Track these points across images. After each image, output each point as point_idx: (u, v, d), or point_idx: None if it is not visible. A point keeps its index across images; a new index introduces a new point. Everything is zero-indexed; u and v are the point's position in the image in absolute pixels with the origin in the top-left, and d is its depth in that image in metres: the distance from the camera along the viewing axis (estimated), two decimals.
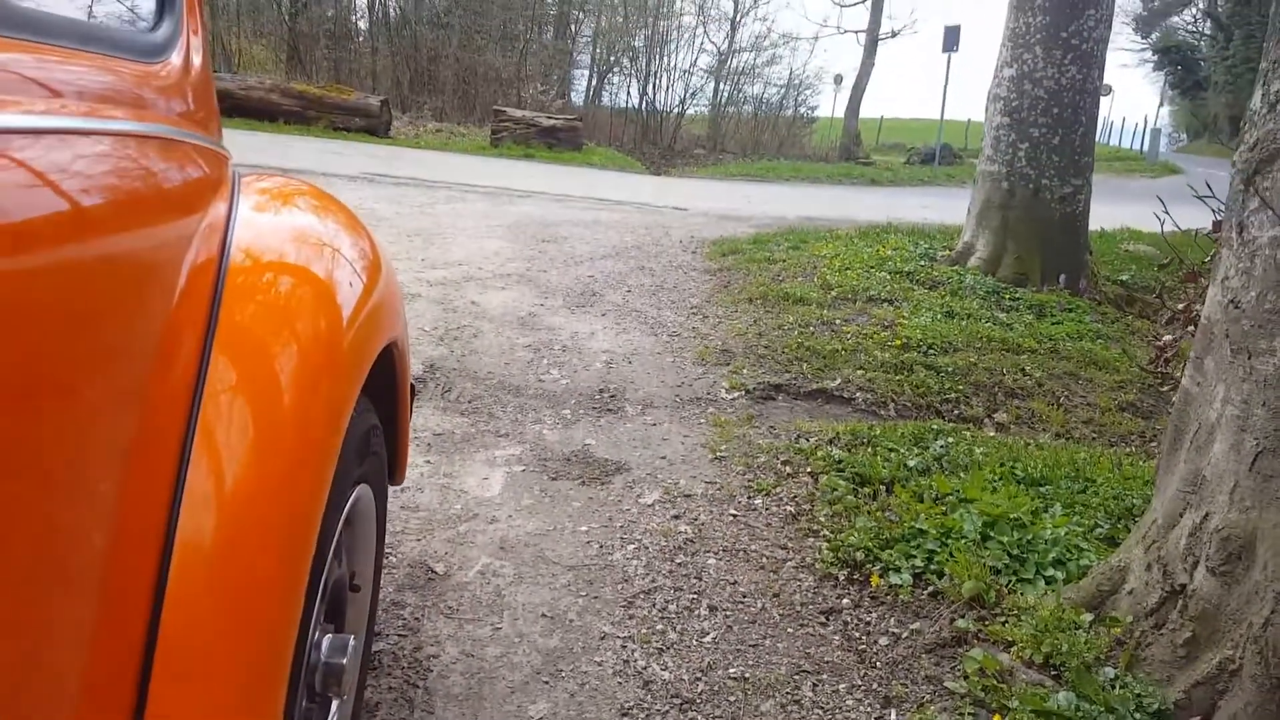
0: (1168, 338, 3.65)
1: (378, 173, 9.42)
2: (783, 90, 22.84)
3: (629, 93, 20.77)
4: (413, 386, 2.07)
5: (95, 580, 0.81)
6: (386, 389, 1.56)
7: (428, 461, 2.90)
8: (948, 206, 9.98)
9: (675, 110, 20.24)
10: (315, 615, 1.19)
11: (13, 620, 0.68)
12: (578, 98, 20.82)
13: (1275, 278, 1.78)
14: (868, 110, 24.69)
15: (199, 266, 1.03)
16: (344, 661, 1.29)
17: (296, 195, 1.45)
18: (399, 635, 2.10)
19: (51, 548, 0.73)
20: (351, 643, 1.32)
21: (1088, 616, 1.98)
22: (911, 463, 2.82)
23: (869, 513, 2.54)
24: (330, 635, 1.32)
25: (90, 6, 0.98)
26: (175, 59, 1.08)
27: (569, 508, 2.68)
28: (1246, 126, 1.95)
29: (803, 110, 23.66)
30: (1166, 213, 3.69)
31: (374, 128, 13.55)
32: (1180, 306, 3.58)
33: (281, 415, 1.04)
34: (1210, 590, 1.80)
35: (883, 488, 2.71)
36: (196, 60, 1.14)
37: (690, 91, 20.49)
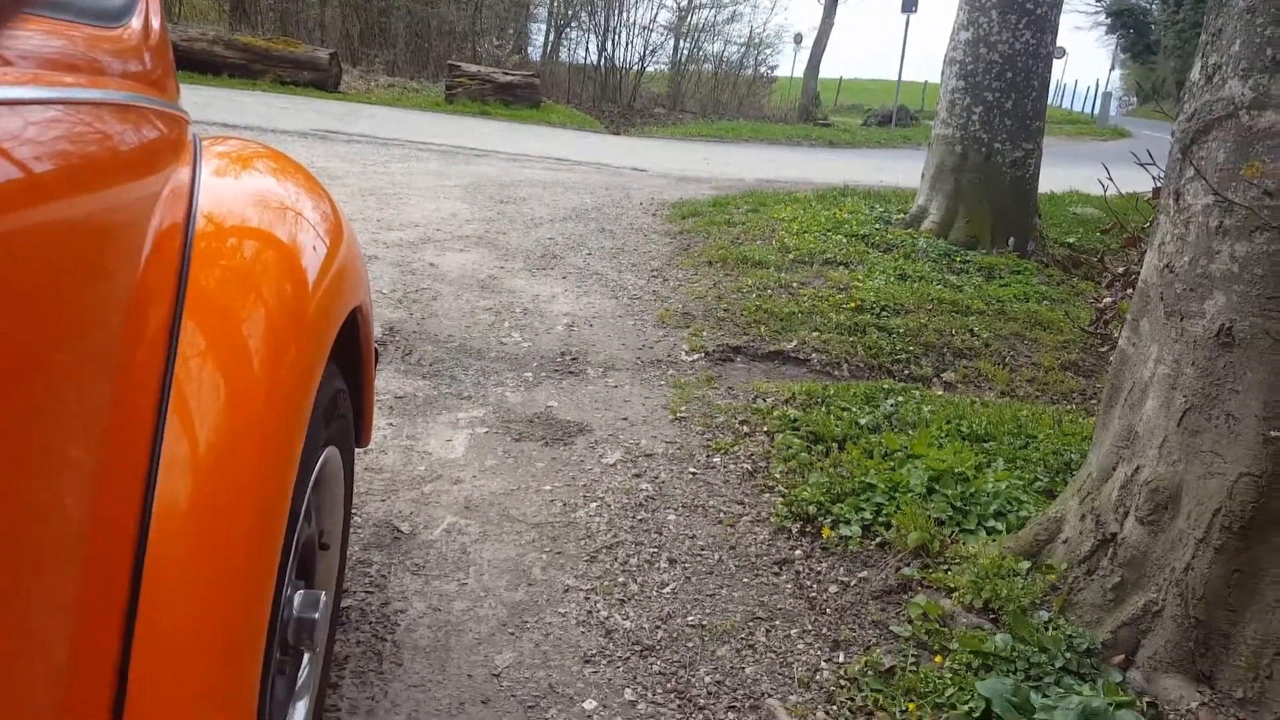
0: (1108, 300, 3.79)
1: (329, 129, 9.25)
2: (743, 49, 22.75)
3: (587, 49, 20.53)
4: (375, 350, 2.10)
5: (75, 545, 0.84)
6: (351, 353, 1.59)
7: (390, 424, 2.94)
8: (903, 169, 10.10)
9: (635, 68, 20.05)
10: (288, 572, 1.23)
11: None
12: (535, 53, 20.51)
13: (1207, 244, 1.88)
14: (827, 70, 24.67)
15: (164, 232, 1.05)
16: (316, 616, 1.34)
17: (256, 158, 1.46)
18: (366, 592, 2.15)
19: (29, 515, 0.75)
20: (323, 598, 1.37)
21: (1025, 564, 2.10)
22: (863, 421, 2.92)
23: (821, 469, 2.64)
24: (302, 591, 1.37)
25: None
26: (135, 23, 1.08)
27: (533, 468, 2.73)
28: (1185, 97, 2.03)
29: (763, 69, 23.58)
30: (1110, 179, 3.80)
31: (323, 82, 13.23)
32: (1120, 270, 3.71)
33: (252, 379, 1.06)
34: (1138, 538, 1.92)
35: (835, 445, 2.81)
36: (155, 23, 1.15)
37: (650, 49, 20.30)
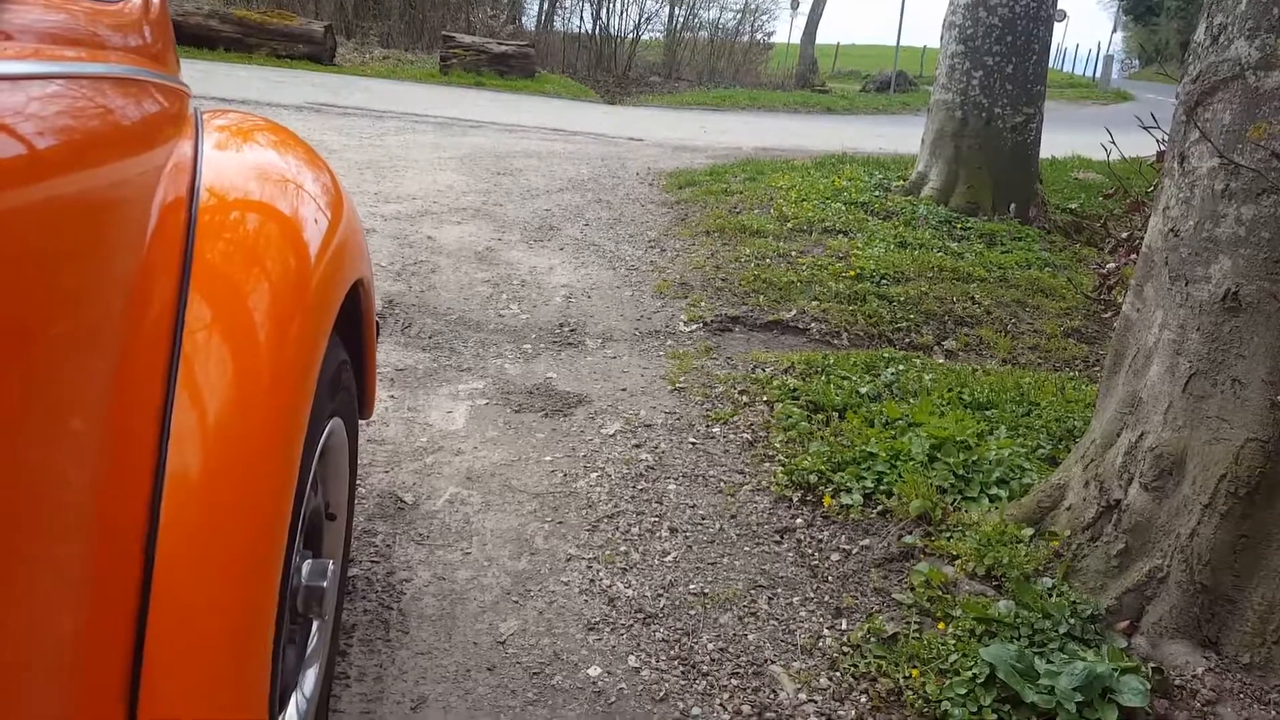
0: (1111, 265, 3.77)
1: (324, 102, 9.16)
2: (739, 15, 22.49)
3: (582, 17, 20.29)
4: (376, 322, 2.09)
5: (88, 521, 0.84)
6: (354, 325, 1.59)
7: (391, 396, 2.93)
8: (902, 135, 10.02)
9: (630, 36, 19.84)
10: (296, 542, 1.23)
11: (7, 565, 0.71)
12: (529, 22, 20.29)
13: (1212, 207, 1.86)
14: (824, 36, 24.46)
15: (168, 206, 1.04)
16: (324, 585, 1.35)
17: (257, 131, 1.44)
18: (371, 561, 2.16)
19: (40, 491, 0.75)
20: (330, 567, 1.37)
21: (1028, 531, 2.10)
22: (863, 390, 2.91)
23: (822, 438, 2.63)
24: (310, 560, 1.37)
25: None
26: None
27: (533, 439, 2.73)
28: (1190, 58, 2.00)
29: (759, 36, 23.33)
30: (1113, 142, 3.77)
31: (318, 55, 13.09)
32: (1124, 235, 3.69)
33: (258, 352, 1.06)
34: (1143, 505, 1.92)
35: (835, 414, 2.80)
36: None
37: (645, 16, 20.06)
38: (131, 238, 0.95)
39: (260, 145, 1.41)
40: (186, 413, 0.95)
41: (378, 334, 2.01)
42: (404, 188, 5.61)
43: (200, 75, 9.65)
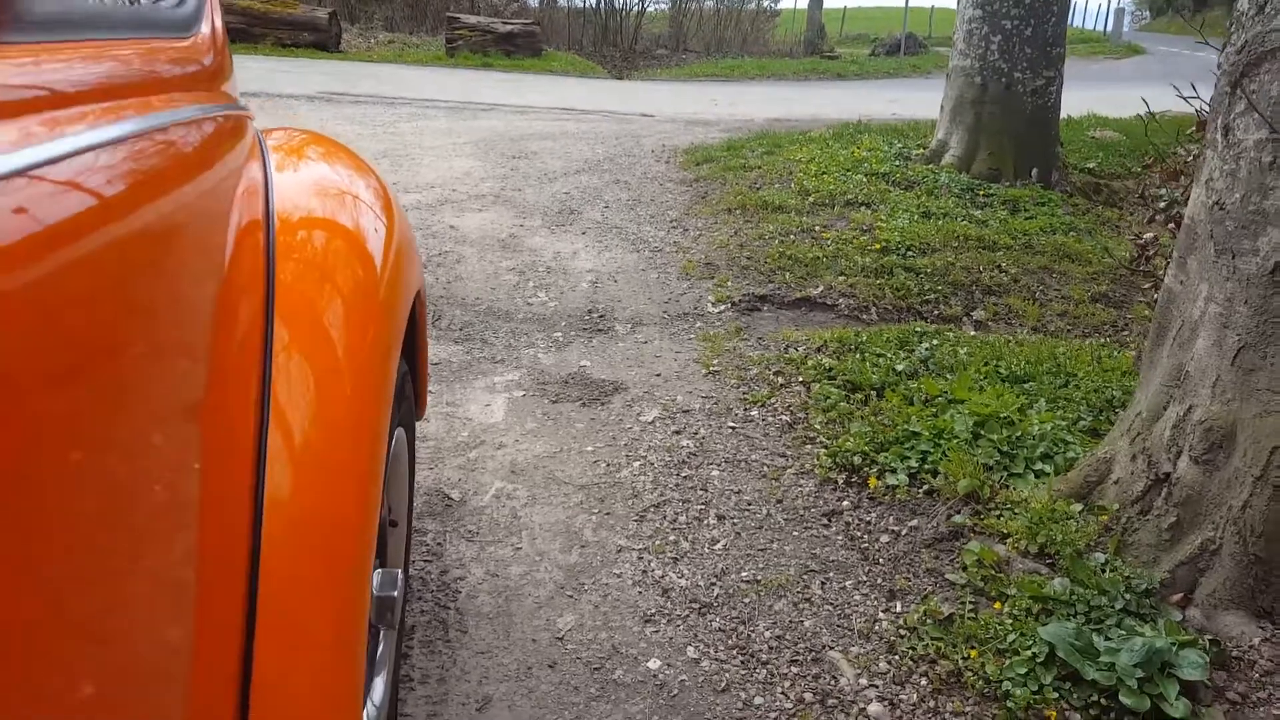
0: (1149, 235, 3.74)
1: (335, 91, 9.13)
2: None
3: None
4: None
5: (193, 541, 0.86)
6: (411, 333, 1.60)
7: (430, 391, 2.95)
8: (916, 100, 9.92)
9: (635, 9, 19.64)
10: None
11: (123, 583, 0.72)
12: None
13: (1260, 180, 1.84)
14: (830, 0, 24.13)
15: (245, 228, 1.06)
16: (395, 594, 1.37)
17: (307, 146, 1.46)
18: (424, 561, 2.19)
19: (147, 510, 0.77)
20: (400, 576, 1.39)
21: (1077, 506, 2.10)
22: (899, 367, 2.91)
23: (862, 418, 2.64)
24: (380, 570, 1.40)
25: None
26: (204, 29, 1.07)
27: (573, 429, 2.75)
28: (1234, 28, 1.98)
29: (766, 3, 23.04)
30: (1148, 109, 3.71)
31: (323, 42, 13.05)
32: (1162, 205, 3.66)
33: (339, 366, 1.09)
34: (1193, 478, 1.92)
35: (874, 393, 2.81)
36: (219, 23, 1.14)
37: None
38: (214, 264, 0.97)
39: (315, 160, 1.42)
40: (279, 431, 0.98)
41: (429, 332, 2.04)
42: (422, 176, 5.61)
43: None
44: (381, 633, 1.56)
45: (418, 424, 2.72)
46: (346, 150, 1.53)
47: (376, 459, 1.11)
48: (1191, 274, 2.05)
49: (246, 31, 12.62)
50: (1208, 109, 2.19)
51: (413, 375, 1.67)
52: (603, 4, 19.00)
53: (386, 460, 1.34)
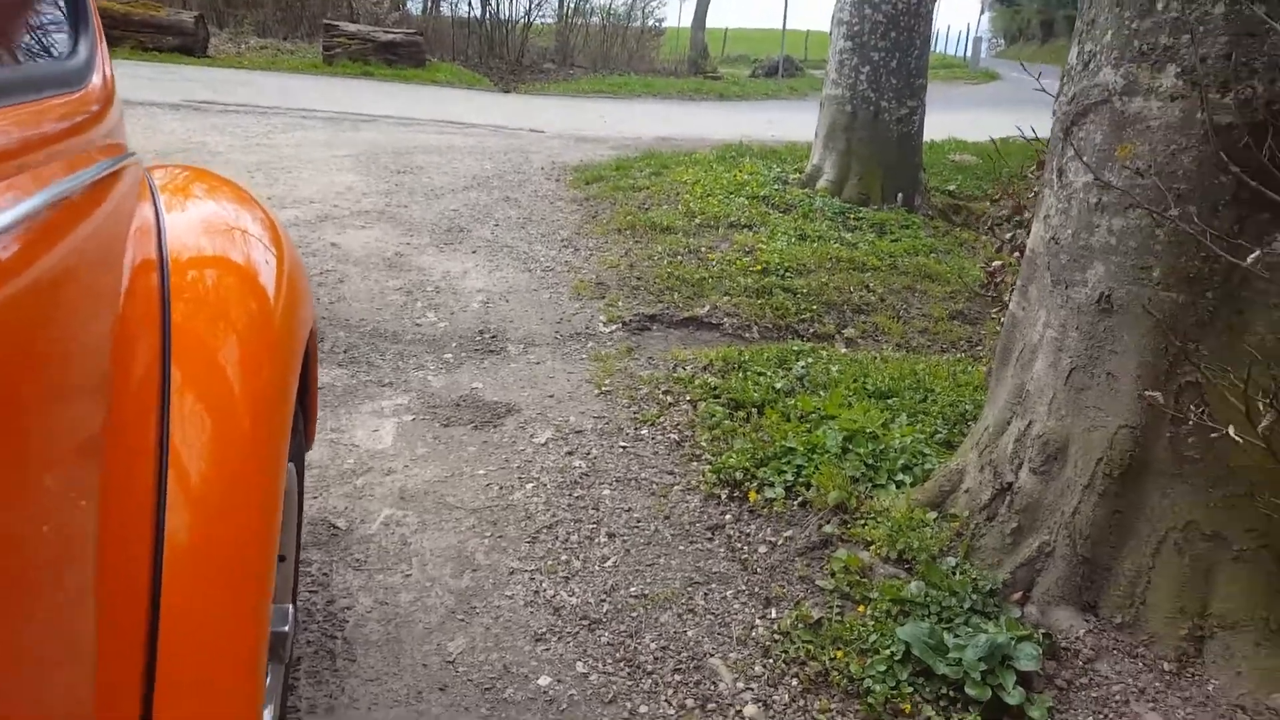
0: (997, 264, 4.05)
1: (203, 100, 8.82)
2: (630, 1, 22.53)
3: (470, 3, 19.95)
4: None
5: (89, 584, 0.88)
6: (303, 363, 1.63)
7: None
8: (793, 121, 10.30)
9: (521, 21, 19.64)
10: None
11: (16, 625, 0.74)
12: (415, 8, 19.86)
13: (1087, 219, 2.07)
14: (713, 20, 24.73)
15: (139, 267, 1.08)
16: (286, 629, 1.40)
17: (193, 183, 1.48)
18: (309, 592, 2.18)
19: (43, 559, 0.79)
20: (291, 611, 1.42)
21: (933, 515, 2.30)
22: (778, 385, 3.08)
23: (744, 435, 2.79)
24: (271, 605, 1.42)
25: (18, 49, 0.97)
26: (95, 79, 1.09)
27: (464, 453, 2.79)
28: (1065, 80, 2.21)
29: (651, 21, 23.43)
30: (994, 142, 4.02)
31: (190, 47, 12.53)
32: (1008, 236, 3.98)
33: (236, 402, 1.11)
34: (1032, 487, 2.13)
35: (755, 410, 2.96)
36: (109, 70, 1.16)
37: (535, 1, 19.88)
38: (108, 307, 0.98)
39: (202, 197, 1.44)
40: (178, 471, 0.99)
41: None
42: (300, 191, 5.51)
43: None
44: (269, 666, 1.58)
45: (309, 450, 2.71)
46: (231, 184, 1.56)
47: (274, 495, 1.14)
48: (1032, 301, 2.27)
49: (105, 34, 12.01)
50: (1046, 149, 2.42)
51: (303, 407, 1.70)
52: (488, 15, 18.94)
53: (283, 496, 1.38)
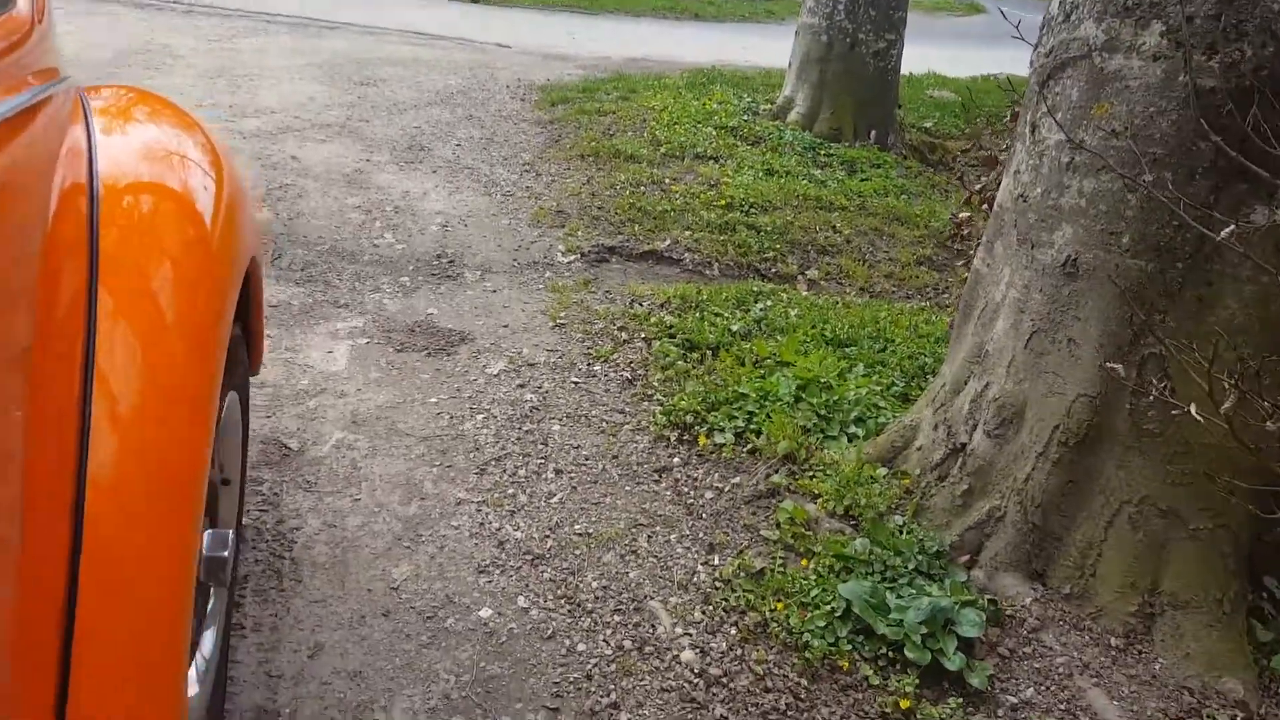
0: (965, 215, 4.02)
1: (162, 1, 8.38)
2: None
3: None
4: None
5: (12, 511, 0.86)
6: (244, 296, 1.58)
7: (268, 335, 2.85)
8: (770, 49, 10.03)
9: None
10: None
11: None
12: None
13: (1058, 178, 2.04)
14: None
15: (66, 194, 1.04)
16: (225, 554, 1.38)
17: (134, 106, 1.40)
18: (260, 511, 2.17)
19: None
20: (231, 536, 1.40)
21: (883, 471, 2.31)
22: (735, 327, 3.06)
23: (697, 377, 2.77)
24: (210, 531, 1.40)
25: None
26: (22, 2, 1.01)
27: (417, 380, 2.74)
28: (1044, 31, 2.15)
29: None
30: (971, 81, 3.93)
31: None
32: (978, 188, 3.94)
33: (167, 328, 1.10)
34: (985, 450, 2.14)
35: (709, 352, 2.94)
36: None
37: None
38: (34, 232, 0.95)
39: (142, 121, 1.37)
40: (104, 396, 0.98)
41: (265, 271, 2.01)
42: (261, 99, 5.29)
43: None
44: (212, 589, 1.56)
45: (255, 376, 2.65)
46: (173, 107, 1.48)
47: (203, 424, 1.12)
48: (997, 258, 2.25)
49: None
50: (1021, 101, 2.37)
51: (247, 335, 1.64)
52: None
53: (217, 424, 1.34)
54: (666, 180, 4.65)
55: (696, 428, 2.57)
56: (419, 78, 6.43)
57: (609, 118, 5.66)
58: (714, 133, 5.38)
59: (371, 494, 2.26)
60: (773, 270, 3.96)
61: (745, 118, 5.82)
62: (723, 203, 4.38)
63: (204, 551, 1.35)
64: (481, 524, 2.20)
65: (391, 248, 3.64)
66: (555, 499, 2.31)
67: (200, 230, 1.26)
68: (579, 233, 3.98)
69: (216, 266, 1.25)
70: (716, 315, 3.16)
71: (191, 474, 1.06)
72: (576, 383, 2.82)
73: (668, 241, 3.98)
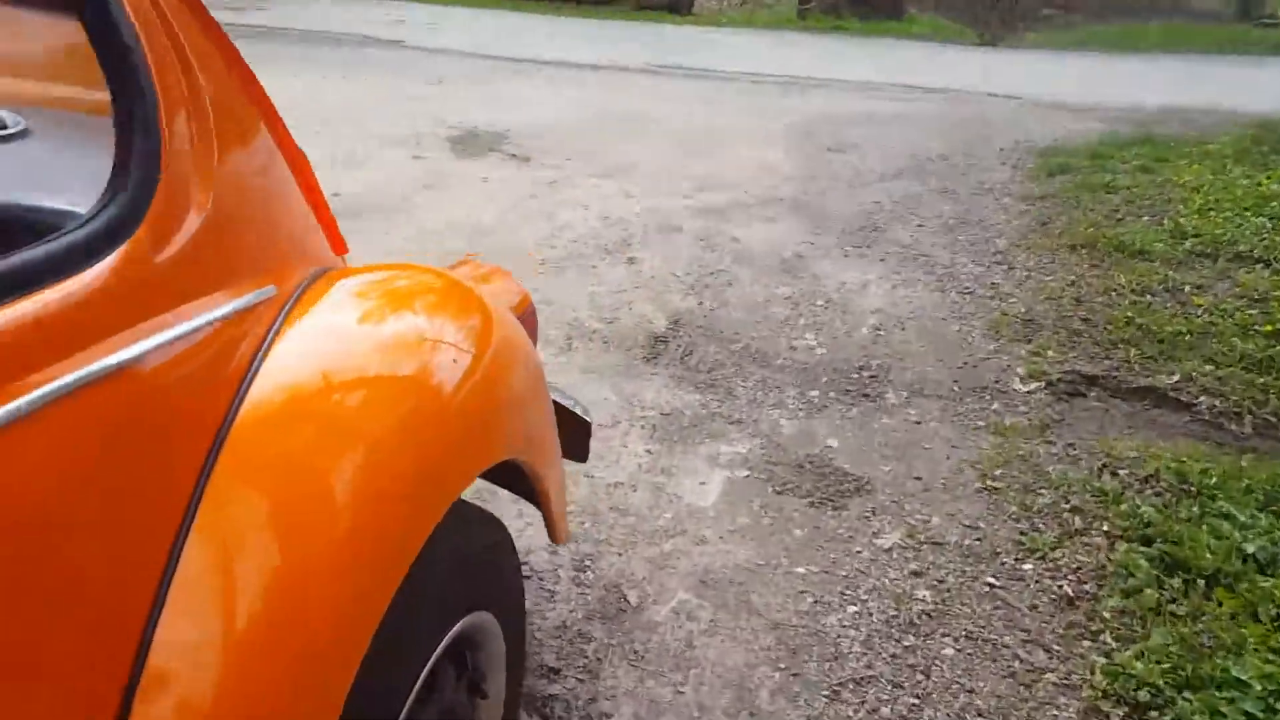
0: None
1: (667, 64, 9.01)
2: None
3: None
4: (588, 424, 1.81)
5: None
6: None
7: (648, 451, 2.64)
8: None
9: None
10: None
11: None
12: None
13: None
14: None
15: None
16: None
17: (406, 294, 1.16)
18: (578, 679, 1.92)
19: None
20: None
21: None
22: (1251, 547, 2.09)
23: (1173, 623, 1.91)
24: None
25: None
26: (143, 234, 0.80)
27: (789, 537, 2.30)
28: None
29: None
30: None
31: (676, 4, 13.17)
32: None
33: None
34: None
35: (1202, 582, 2.04)
36: (194, 219, 0.85)
37: None
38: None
39: (393, 316, 1.11)
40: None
41: (589, 436, 1.83)
42: (720, 170, 5.28)
43: (544, 36, 10.17)
44: None
45: (619, 487, 2.46)
46: (439, 286, 1.22)
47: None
48: None
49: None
50: None
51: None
52: None
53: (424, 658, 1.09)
54: (1187, 288, 3.59)
55: (1153, 714, 1.74)
56: (894, 140, 5.96)
57: (1119, 195, 4.64)
58: (1268, 224, 4.08)
59: (697, 689, 1.88)
60: None
61: None
62: (1270, 328, 3.24)
63: None
64: None
65: (810, 351, 3.23)
66: None
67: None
68: (1049, 352, 3.20)
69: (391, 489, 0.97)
70: (1225, 518, 2.21)
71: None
72: (993, 585, 2.14)
73: (1176, 377, 3.02)
